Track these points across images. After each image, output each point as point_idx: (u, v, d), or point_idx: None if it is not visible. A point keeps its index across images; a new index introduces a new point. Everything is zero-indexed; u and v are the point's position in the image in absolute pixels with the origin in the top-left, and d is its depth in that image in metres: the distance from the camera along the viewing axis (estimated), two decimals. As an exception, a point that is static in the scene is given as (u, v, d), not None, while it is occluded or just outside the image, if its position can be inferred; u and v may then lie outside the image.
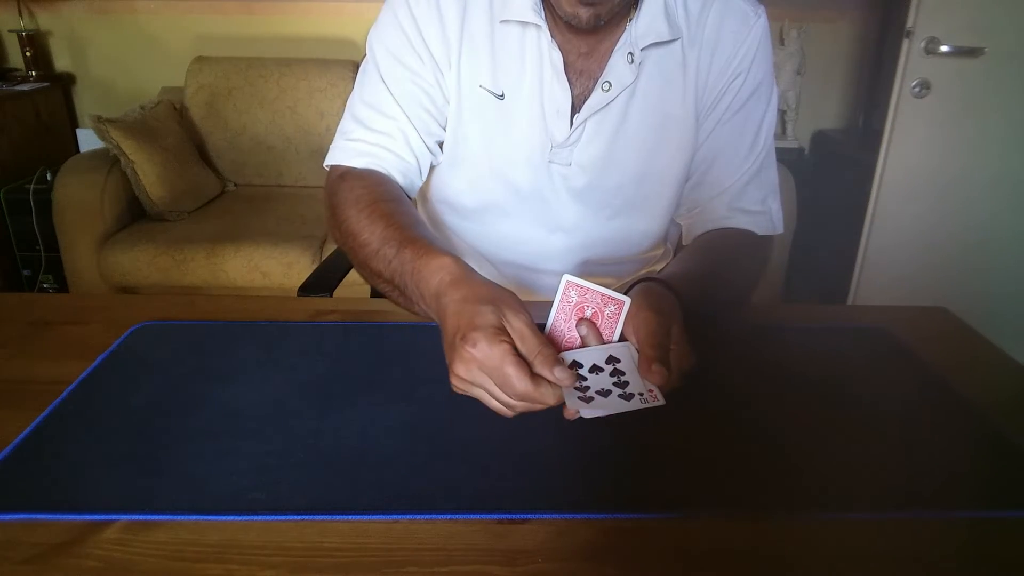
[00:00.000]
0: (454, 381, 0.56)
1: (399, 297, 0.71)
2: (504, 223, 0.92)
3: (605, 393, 0.55)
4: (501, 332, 0.54)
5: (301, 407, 0.63)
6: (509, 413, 0.55)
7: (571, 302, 0.61)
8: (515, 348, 0.54)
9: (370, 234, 0.73)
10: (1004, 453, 0.61)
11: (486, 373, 0.54)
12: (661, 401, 0.55)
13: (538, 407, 0.54)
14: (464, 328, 0.54)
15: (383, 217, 0.74)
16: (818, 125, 2.74)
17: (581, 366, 0.58)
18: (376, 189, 0.80)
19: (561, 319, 0.61)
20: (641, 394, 0.55)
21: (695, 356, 0.59)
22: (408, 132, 0.84)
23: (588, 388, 0.56)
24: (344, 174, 0.83)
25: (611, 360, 0.59)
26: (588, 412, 0.54)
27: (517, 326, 0.55)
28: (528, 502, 0.52)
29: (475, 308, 0.55)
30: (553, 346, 0.55)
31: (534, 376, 0.53)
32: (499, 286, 0.59)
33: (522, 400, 0.54)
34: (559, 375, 0.53)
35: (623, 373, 0.58)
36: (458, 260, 0.63)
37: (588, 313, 0.61)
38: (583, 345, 0.61)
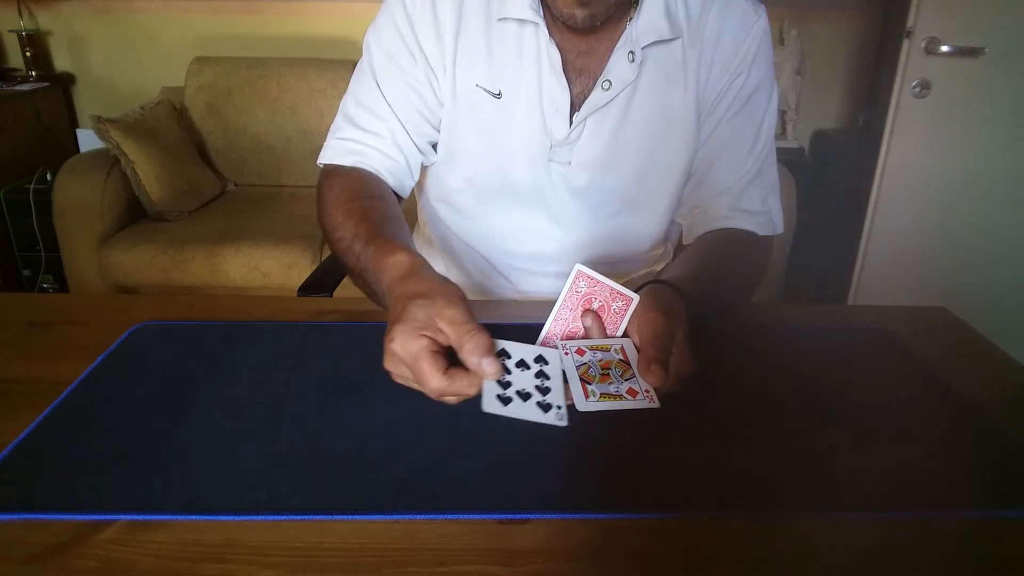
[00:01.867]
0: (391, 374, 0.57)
1: (370, 293, 0.71)
2: (503, 222, 0.92)
3: (524, 396, 0.55)
4: (424, 328, 0.54)
5: (301, 407, 0.63)
6: (446, 403, 0.56)
7: (580, 292, 0.61)
8: (437, 343, 0.54)
9: (344, 230, 0.74)
10: (1004, 452, 0.61)
11: (407, 367, 0.54)
12: (656, 404, 0.55)
13: (462, 398, 0.54)
14: (392, 323, 0.55)
15: (356, 214, 0.75)
16: (818, 125, 2.74)
17: (508, 357, 0.57)
18: (355, 187, 0.81)
19: (567, 307, 0.61)
20: (559, 407, 0.54)
21: (696, 364, 0.59)
22: (397, 133, 0.85)
23: (509, 385, 0.55)
24: (330, 172, 0.85)
25: (539, 360, 0.58)
26: (584, 406, 0.54)
27: (449, 314, 0.54)
28: (528, 502, 0.52)
29: (406, 303, 0.56)
30: (487, 336, 0.54)
31: (450, 370, 0.53)
32: (444, 281, 0.59)
33: (440, 395, 0.54)
34: (486, 366, 0.53)
35: (548, 377, 0.57)
36: (413, 256, 0.63)
37: (595, 305, 0.61)
38: (586, 336, 0.61)
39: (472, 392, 0.53)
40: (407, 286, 0.59)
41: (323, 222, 0.80)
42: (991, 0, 1.93)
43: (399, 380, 0.57)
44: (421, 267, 0.62)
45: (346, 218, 0.75)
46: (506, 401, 0.54)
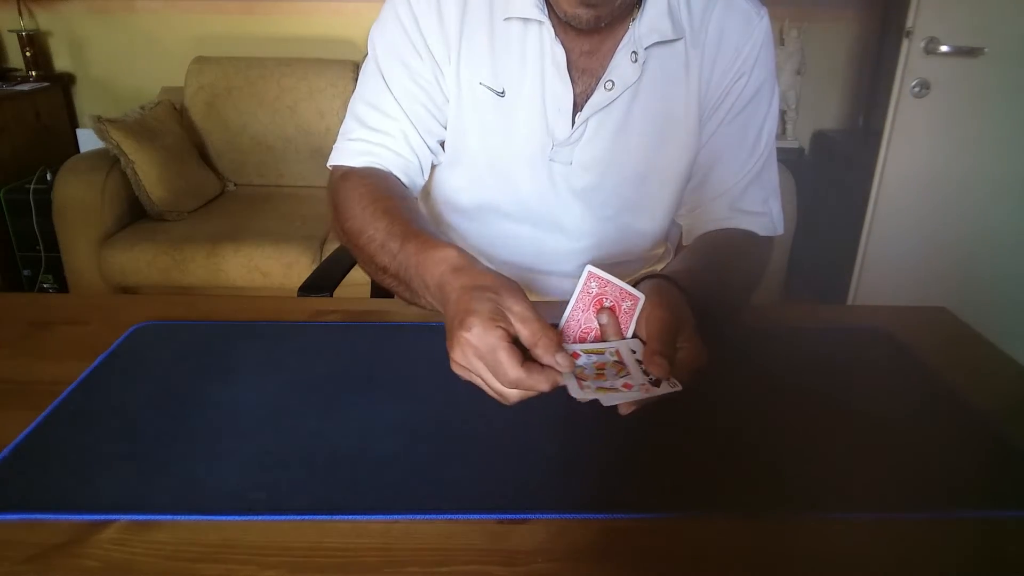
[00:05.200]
0: (452, 366, 0.57)
1: (404, 291, 0.71)
2: (505, 222, 0.92)
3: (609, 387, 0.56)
4: (498, 319, 0.54)
5: (301, 407, 0.63)
6: (506, 401, 0.56)
7: (591, 293, 0.61)
8: (510, 335, 0.54)
9: (375, 230, 0.74)
10: (1003, 453, 0.61)
11: (480, 359, 0.54)
12: (678, 387, 0.55)
13: (532, 394, 0.55)
14: (462, 314, 0.55)
15: (387, 213, 0.74)
16: (818, 125, 2.74)
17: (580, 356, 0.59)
18: (379, 186, 0.80)
19: (580, 308, 0.61)
20: (643, 384, 0.56)
21: (707, 354, 0.59)
22: (408, 131, 0.85)
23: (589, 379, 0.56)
24: (346, 174, 0.84)
25: (615, 355, 0.59)
26: (606, 399, 0.54)
27: (518, 310, 0.55)
28: (528, 502, 0.52)
29: (474, 295, 0.56)
30: (556, 333, 0.55)
31: (526, 363, 0.54)
32: (501, 275, 0.60)
33: (514, 387, 0.54)
34: (560, 360, 0.54)
35: (625, 367, 0.58)
36: (461, 251, 0.64)
37: (607, 304, 0.61)
38: (601, 333, 0.62)
39: (546, 388, 0.54)
40: (466, 278, 0.59)
41: (346, 225, 0.79)
42: (991, 0, 1.93)
43: (463, 373, 0.57)
44: (472, 261, 0.62)
45: (375, 217, 0.74)
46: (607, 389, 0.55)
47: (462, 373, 0.57)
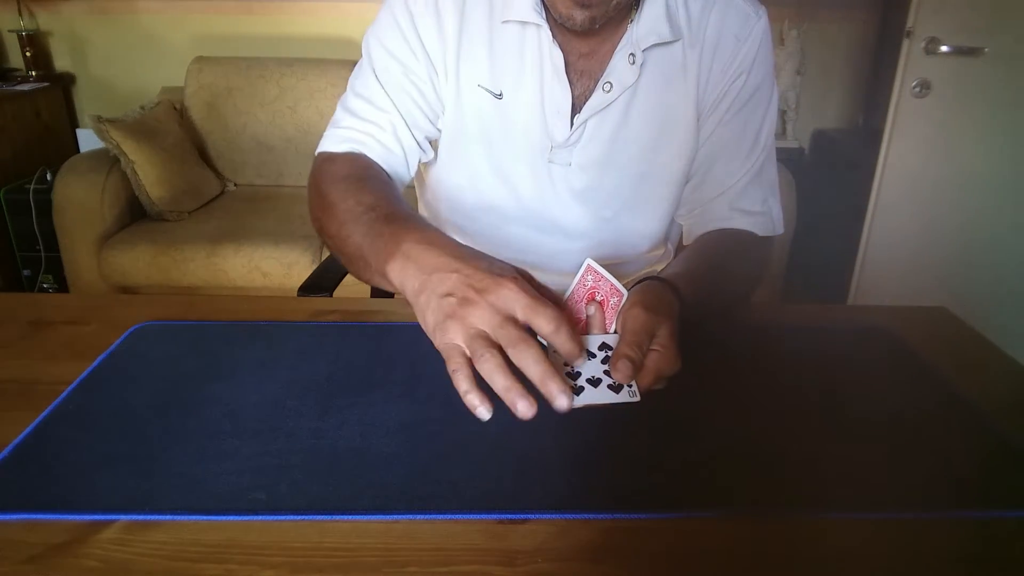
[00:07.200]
0: (464, 341, 0.52)
1: (360, 267, 0.68)
2: (504, 223, 0.92)
3: (595, 382, 0.56)
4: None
5: (301, 407, 0.63)
6: (561, 338, 0.52)
7: (587, 285, 0.63)
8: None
9: (356, 202, 0.70)
10: (1004, 453, 0.61)
11: (514, 300, 0.51)
12: (636, 398, 0.56)
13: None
14: (496, 271, 0.53)
15: (373, 191, 0.73)
16: (818, 125, 2.74)
17: None
18: (365, 172, 0.80)
19: (574, 299, 0.63)
20: (629, 386, 0.56)
21: (679, 362, 0.58)
22: (397, 124, 0.84)
23: (579, 375, 0.56)
24: (330, 157, 0.83)
25: (604, 347, 0.60)
26: (578, 401, 0.54)
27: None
28: (528, 502, 0.52)
29: (486, 261, 0.55)
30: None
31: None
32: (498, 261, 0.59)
33: (560, 325, 0.51)
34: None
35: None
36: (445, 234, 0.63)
37: (598, 299, 0.63)
38: (587, 325, 0.63)
39: (577, 355, 0.53)
40: (466, 250, 0.57)
41: (328, 197, 0.75)
42: (991, 0, 1.94)
43: (478, 345, 0.51)
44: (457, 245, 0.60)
45: (362, 193, 0.72)
46: (578, 391, 0.55)
47: (476, 346, 0.51)
